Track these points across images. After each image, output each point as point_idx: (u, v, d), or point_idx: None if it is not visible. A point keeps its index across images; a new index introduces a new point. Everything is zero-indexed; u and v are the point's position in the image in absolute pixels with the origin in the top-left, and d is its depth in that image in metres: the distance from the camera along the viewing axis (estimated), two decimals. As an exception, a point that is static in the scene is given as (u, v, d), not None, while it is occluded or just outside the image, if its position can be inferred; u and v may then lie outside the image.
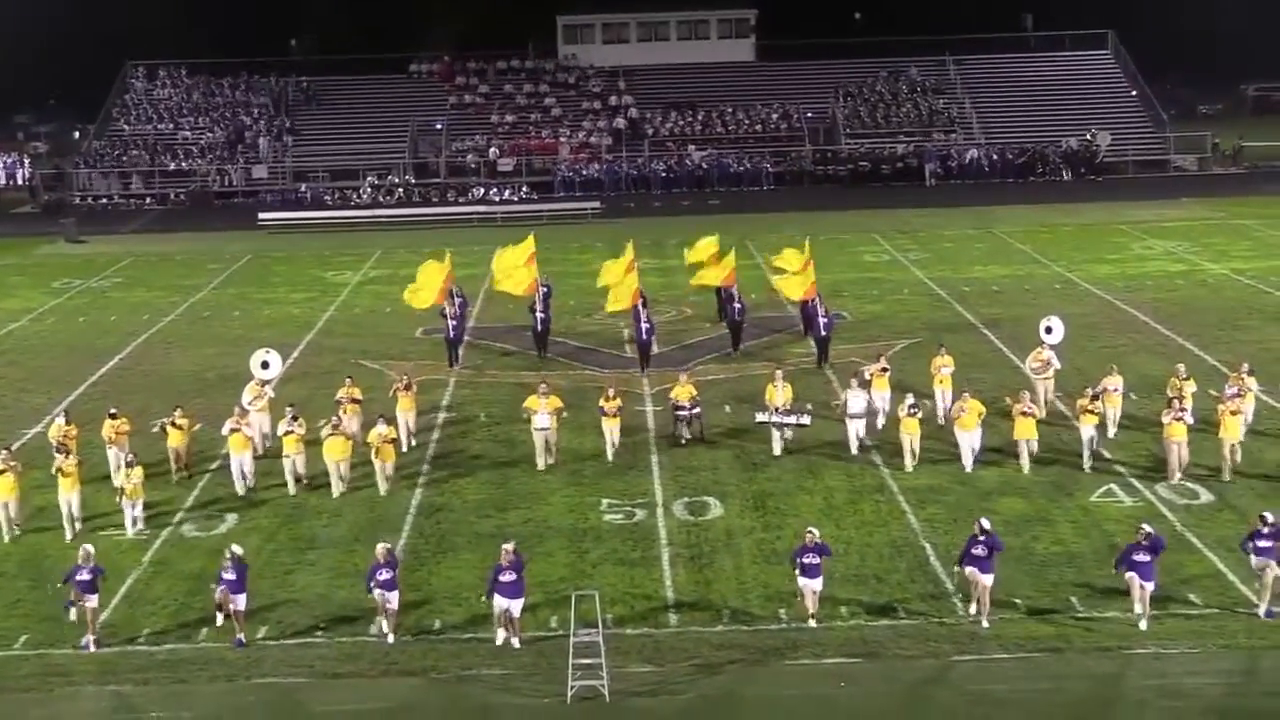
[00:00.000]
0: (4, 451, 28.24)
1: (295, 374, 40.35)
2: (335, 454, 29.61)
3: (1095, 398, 30.23)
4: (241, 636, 23.12)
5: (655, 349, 39.77)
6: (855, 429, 31.14)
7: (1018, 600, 23.74)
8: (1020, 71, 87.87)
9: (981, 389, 32.75)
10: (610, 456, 31.39)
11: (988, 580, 23.00)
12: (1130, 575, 22.72)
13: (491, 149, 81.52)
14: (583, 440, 32.46)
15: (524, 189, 76.20)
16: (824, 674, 21.89)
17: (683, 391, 32.26)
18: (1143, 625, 22.67)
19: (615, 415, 31.52)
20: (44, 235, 68.47)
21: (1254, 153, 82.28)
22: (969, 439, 29.89)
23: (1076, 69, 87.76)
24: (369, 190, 76.35)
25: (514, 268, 41.90)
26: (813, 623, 23.15)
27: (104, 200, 79.11)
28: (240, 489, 29.92)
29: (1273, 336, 41.34)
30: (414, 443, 32.81)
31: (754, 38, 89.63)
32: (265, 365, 33.74)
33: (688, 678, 21.94)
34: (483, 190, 75.95)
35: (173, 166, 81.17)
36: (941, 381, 32.93)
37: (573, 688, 21.27)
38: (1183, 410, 28.76)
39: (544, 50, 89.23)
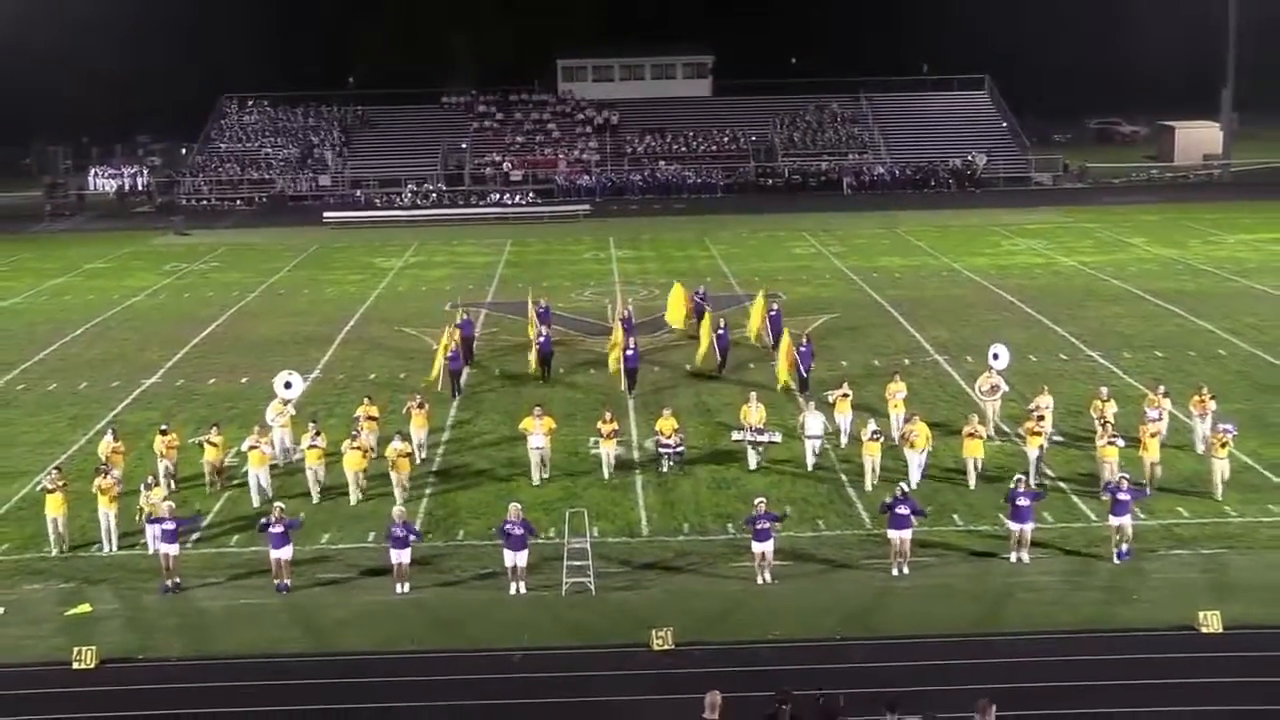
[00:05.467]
0: (54, 471, 24.28)
1: (351, 339, 40.09)
2: (353, 465, 25.76)
3: (1040, 419, 26.37)
4: (287, 581, 21.49)
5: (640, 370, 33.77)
6: (812, 446, 27.08)
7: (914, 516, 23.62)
8: (917, 106, 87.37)
9: (886, 354, 32.49)
10: (607, 475, 26.71)
11: (908, 535, 21.73)
12: (1015, 525, 21.92)
13: (505, 163, 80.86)
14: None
15: (530, 194, 75.60)
16: (761, 573, 21.83)
17: (666, 424, 27.37)
18: (1023, 557, 21.94)
19: (611, 437, 26.82)
20: (158, 229, 67.71)
21: (1095, 172, 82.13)
22: (916, 458, 26.32)
23: (960, 105, 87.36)
24: (409, 195, 75.59)
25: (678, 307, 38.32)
26: (760, 582, 21.35)
27: (204, 202, 78.31)
28: (257, 502, 25.41)
29: (1108, 313, 41.29)
30: (424, 455, 28.07)
31: (711, 77, 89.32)
32: (288, 385, 29.21)
33: (656, 576, 21.90)
34: (498, 195, 75.30)
35: (257, 176, 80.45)
36: (896, 406, 28.38)
37: (566, 583, 21.22)
38: (1116, 436, 25.31)
39: (547, 86, 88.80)
